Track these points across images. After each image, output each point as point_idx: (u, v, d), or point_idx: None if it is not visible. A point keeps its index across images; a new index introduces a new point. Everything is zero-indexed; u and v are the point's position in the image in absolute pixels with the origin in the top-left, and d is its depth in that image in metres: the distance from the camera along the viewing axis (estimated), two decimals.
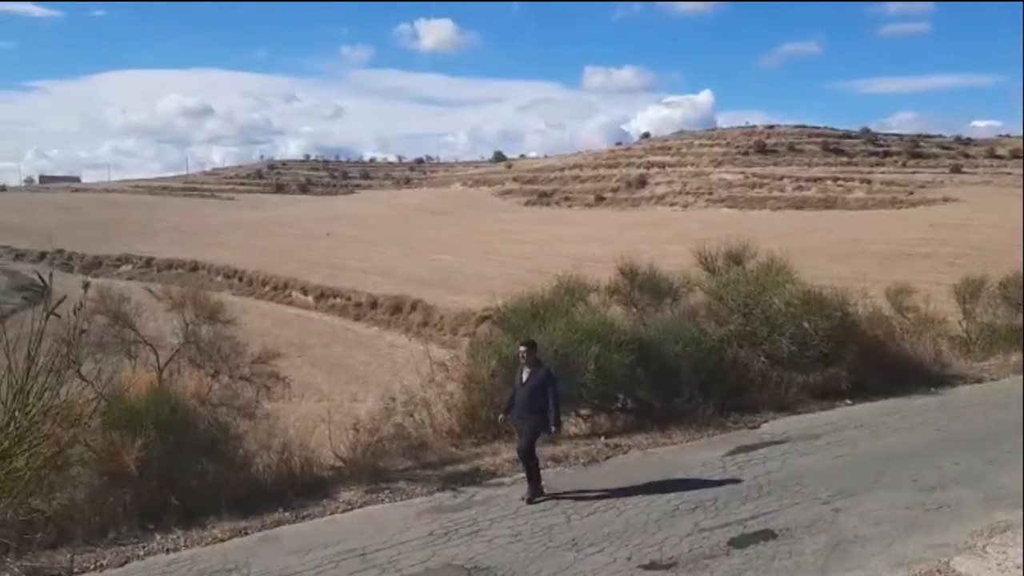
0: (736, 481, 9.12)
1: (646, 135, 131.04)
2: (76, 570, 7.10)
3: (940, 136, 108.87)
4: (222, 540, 7.76)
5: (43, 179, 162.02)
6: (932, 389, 13.59)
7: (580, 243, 54.90)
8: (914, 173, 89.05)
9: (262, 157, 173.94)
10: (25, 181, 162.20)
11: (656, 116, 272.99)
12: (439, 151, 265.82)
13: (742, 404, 12.06)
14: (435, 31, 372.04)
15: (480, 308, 27.45)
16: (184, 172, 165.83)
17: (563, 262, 30.72)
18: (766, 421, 11.70)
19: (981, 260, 30.57)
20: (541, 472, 8.93)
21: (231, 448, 9.08)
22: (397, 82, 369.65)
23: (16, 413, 4.50)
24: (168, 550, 7.55)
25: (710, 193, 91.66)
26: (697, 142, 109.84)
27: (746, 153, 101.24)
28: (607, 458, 10.18)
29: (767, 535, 7.62)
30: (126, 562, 7.33)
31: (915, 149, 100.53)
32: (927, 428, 11.40)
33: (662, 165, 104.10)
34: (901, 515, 8.08)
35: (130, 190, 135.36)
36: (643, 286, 14.36)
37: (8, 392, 4.50)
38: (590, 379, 10.76)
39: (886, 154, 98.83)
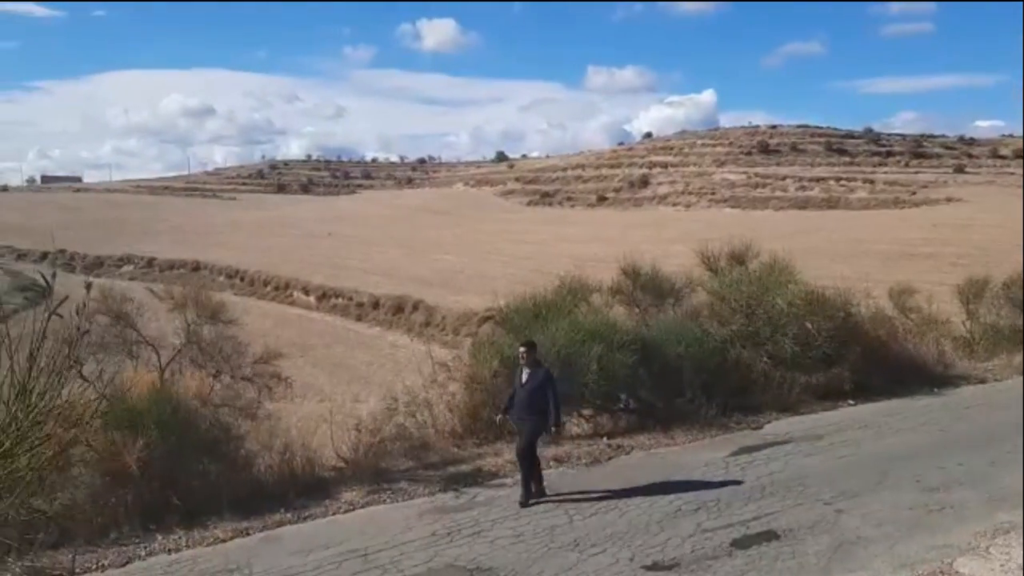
0: (738, 482, 9.11)
1: (648, 135, 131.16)
2: (78, 570, 7.09)
3: (943, 136, 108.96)
4: (224, 540, 7.75)
5: (45, 179, 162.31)
6: (935, 390, 13.57)
7: (582, 243, 54.87)
8: (917, 173, 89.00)
9: (264, 157, 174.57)
10: (27, 181, 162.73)
11: (658, 116, 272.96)
12: (441, 151, 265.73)
13: (745, 404, 12.04)
14: (437, 31, 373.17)
15: (482, 308, 27.44)
16: (186, 172, 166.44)
17: (565, 262, 30.65)
18: (769, 422, 11.69)
19: (984, 260, 30.51)
20: (543, 472, 8.92)
21: (233, 448, 9.07)
22: (399, 82, 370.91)
23: (18, 413, 4.49)
24: (170, 550, 7.55)
25: (713, 193, 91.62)
26: (700, 142, 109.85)
27: (749, 153, 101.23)
28: (609, 458, 10.17)
29: (770, 536, 7.61)
30: (128, 562, 7.32)
31: (918, 149, 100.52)
32: (930, 429, 11.38)
33: (664, 165, 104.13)
34: (904, 516, 8.06)
35: (132, 190, 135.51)
36: (645, 286, 14.35)
37: (10, 392, 4.50)
38: (592, 379, 10.76)
39: (889, 154, 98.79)
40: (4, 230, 77.98)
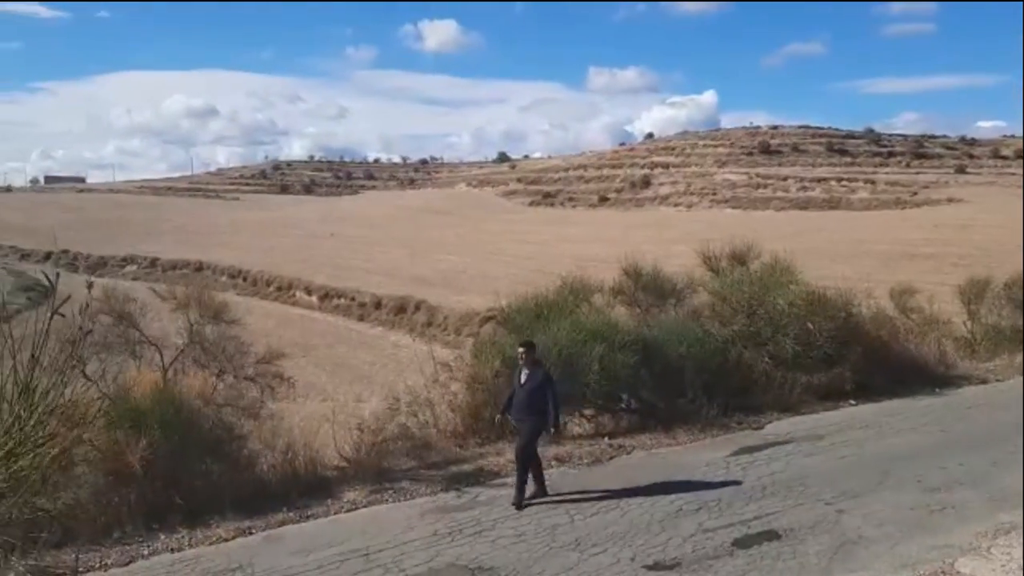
0: (740, 482, 9.12)
1: (650, 135, 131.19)
2: (81, 569, 7.11)
3: (944, 136, 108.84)
4: (226, 540, 7.77)
5: (48, 179, 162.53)
6: (936, 390, 13.58)
7: (584, 243, 54.84)
8: (918, 173, 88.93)
9: (267, 157, 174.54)
10: (30, 181, 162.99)
11: (660, 116, 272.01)
12: (443, 151, 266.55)
13: (746, 405, 12.05)
14: (439, 32, 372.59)
15: (484, 308, 27.46)
16: (189, 172, 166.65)
17: (567, 262, 30.62)
18: (770, 422, 11.70)
19: (985, 261, 30.52)
20: (544, 472, 8.93)
21: (235, 448, 9.09)
22: (401, 83, 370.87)
23: (21, 413, 4.51)
24: (172, 549, 7.57)
25: (714, 194, 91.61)
26: (701, 142, 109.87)
27: (750, 153, 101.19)
28: (611, 458, 10.18)
29: (771, 536, 7.62)
30: (131, 561, 7.34)
31: (919, 149, 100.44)
32: (931, 429, 11.39)
33: (666, 165, 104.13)
34: (905, 516, 8.07)
35: (135, 190, 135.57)
36: (647, 286, 14.34)
37: (13, 391, 4.52)
38: (594, 379, 10.77)
39: (890, 154, 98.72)
40: (8, 230, 78.17)
